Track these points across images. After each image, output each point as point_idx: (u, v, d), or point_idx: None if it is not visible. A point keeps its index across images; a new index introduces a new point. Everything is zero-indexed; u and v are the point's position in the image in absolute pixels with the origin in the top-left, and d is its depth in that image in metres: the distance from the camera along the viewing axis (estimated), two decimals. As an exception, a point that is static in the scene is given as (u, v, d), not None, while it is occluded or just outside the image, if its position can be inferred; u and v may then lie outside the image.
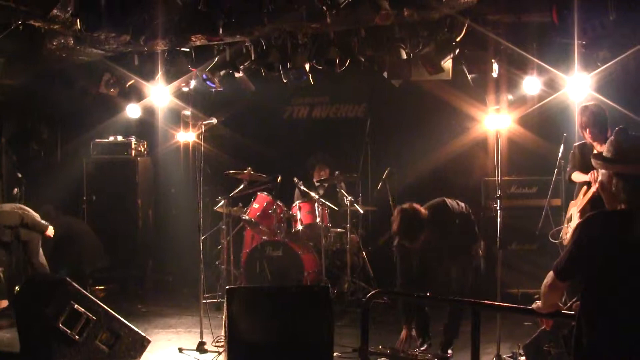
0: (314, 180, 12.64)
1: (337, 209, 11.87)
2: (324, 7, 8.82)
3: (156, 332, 9.96)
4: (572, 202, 8.83)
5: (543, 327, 5.79)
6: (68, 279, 8.04)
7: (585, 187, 8.31)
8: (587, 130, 8.58)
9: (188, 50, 11.35)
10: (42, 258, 10.93)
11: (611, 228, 4.38)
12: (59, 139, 13.61)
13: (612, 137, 4.54)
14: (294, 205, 11.94)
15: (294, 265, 11.25)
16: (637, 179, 4.33)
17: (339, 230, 12.02)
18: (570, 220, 8.63)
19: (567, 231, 8.54)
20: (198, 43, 10.93)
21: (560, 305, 4.96)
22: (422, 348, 8.76)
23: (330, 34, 10.73)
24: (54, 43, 10.71)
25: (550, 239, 9.21)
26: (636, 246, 4.27)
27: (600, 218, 4.51)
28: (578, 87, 9.79)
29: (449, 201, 8.57)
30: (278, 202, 11.84)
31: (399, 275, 8.64)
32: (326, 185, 12.59)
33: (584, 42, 9.18)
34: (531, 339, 7.72)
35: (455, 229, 8.48)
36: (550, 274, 4.66)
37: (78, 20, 9.48)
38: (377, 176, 12.35)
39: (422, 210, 8.19)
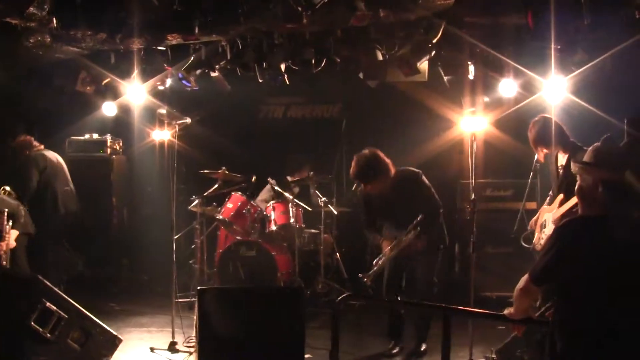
0: (289, 180, 12.61)
1: (310, 209, 11.87)
2: (299, 8, 8.79)
3: (128, 330, 9.95)
4: (544, 207, 8.83)
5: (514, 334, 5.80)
6: (39, 276, 8.00)
7: (562, 196, 8.31)
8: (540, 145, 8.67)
9: (164, 48, 11.31)
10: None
11: (589, 234, 4.39)
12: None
13: (599, 143, 4.55)
14: (268, 205, 11.91)
15: (267, 266, 11.21)
16: (620, 186, 4.35)
17: (313, 231, 12.02)
18: (544, 226, 8.63)
19: (541, 237, 8.53)
20: (174, 42, 10.89)
21: (532, 311, 4.98)
22: (393, 351, 8.84)
23: (306, 34, 10.72)
24: (31, 40, 10.63)
25: (522, 243, 9.24)
26: (613, 252, 4.28)
27: (578, 224, 4.53)
28: (554, 89, 9.82)
29: (425, 178, 8.95)
30: (252, 202, 11.82)
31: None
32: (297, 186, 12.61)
33: (558, 46, 9.21)
34: (504, 343, 7.75)
35: (417, 204, 8.76)
36: (525, 277, 4.68)
37: (54, 18, 9.45)
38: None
39: (386, 160, 8.94)
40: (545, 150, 8.62)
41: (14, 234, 10.40)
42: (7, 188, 10.89)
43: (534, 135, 8.62)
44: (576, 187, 4.59)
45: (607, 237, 4.29)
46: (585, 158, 4.52)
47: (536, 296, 4.87)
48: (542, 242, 8.29)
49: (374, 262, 8.96)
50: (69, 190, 11.87)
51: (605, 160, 4.42)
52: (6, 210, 10.39)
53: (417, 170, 9.11)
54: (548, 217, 8.55)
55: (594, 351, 4.31)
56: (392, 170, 8.94)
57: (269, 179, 12.23)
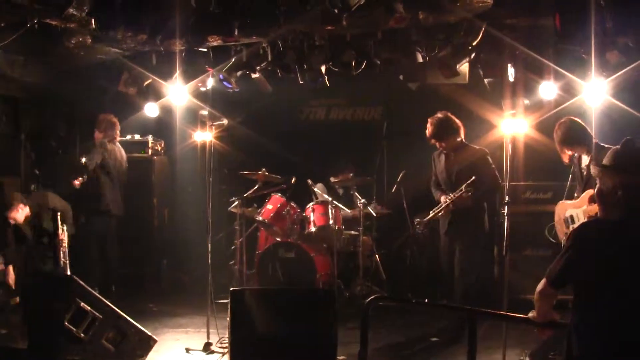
0: (332, 181, 12.59)
1: (349, 211, 11.85)
2: (336, 10, 8.78)
3: (165, 331, 9.99)
4: (565, 202, 8.82)
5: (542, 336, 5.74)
6: (74, 276, 8.07)
7: (591, 191, 8.28)
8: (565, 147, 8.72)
9: (205, 50, 11.36)
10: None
11: (606, 237, 4.35)
12: (77, 137, 13.62)
13: (618, 146, 4.50)
14: (308, 207, 11.92)
15: (306, 267, 11.24)
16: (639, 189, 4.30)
17: (352, 232, 11.99)
18: (571, 221, 8.61)
19: (568, 232, 8.48)
20: (214, 43, 10.95)
21: (555, 314, 4.93)
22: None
23: (347, 36, 10.72)
24: (72, 41, 10.73)
25: (548, 237, 9.31)
26: (631, 255, 4.23)
27: (595, 226, 4.49)
28: (595, 92, 9.72)
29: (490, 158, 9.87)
30: (292, 204, 11.85)
31: None
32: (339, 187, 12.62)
33: (586, 49, 9.15)
34: (538, 346, 7.69)
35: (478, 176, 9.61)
36: (543, 281, 4.64)
37: (93, 19, 9.52)
38: (392, 179, 12.32)
39: (458, 122, 10.09)
40: (569, 152, 8.65)
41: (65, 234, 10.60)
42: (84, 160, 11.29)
43: (559, 137, 8.78)
44: (596, 190, 4.53)
45: (626, 240, 4.25)
46: (605, 161, 4.47)
47: (554, 299, 4.82)
48: None
49: (431, 211, 10.15)
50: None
51: (625, 164, 4.36)
52: (59, 212, 10.61)
53: (485, 148, 9.97)
54: (574, 213, 8.51)
55: (611, 354, 4.26)
56: (463, 133, 10.12)
57: (309, 181, 12.23)
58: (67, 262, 10.66)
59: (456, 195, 9.76)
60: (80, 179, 11.69)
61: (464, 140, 10.12)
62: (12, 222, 11.00)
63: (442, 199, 10.00)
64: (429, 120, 10.17)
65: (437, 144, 10.23)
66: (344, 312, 10.21)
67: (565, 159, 8.83)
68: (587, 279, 4.35)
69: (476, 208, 9.85)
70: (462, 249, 9.88)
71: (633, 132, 4.71)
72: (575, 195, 8.86)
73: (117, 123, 12.11)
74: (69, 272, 10.47)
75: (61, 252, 10.62)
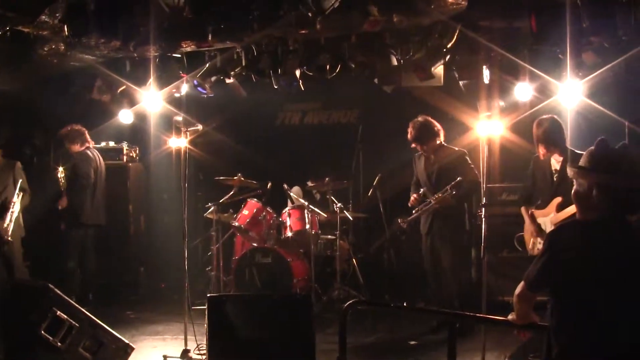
0: (308, 185, 12.56)
1: (326, 215, 11.82)
2: (310, 13, 8.75)
3: (142, 338, 9.94)
4: (534, 211, 8.81)
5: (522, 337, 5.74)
6: (50, 285, 7.99)
7: (559, 199, 8.30)
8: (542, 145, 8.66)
9: (179, 55, 11.33)
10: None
11: (583, 238, 4.34)
12: (51, 145, 13.54)
13: (592, 147, 4.49)
14: (284, 212, 11.89)
15: (283, 272, 11.22)
16: (615, 190, 4.29)
17: (329, 237, 11.98)
18: (540, 230, 8.60)
19: (538, 241, 8.51)
20: (188, 49, 10.93)
21: (535, 316, 4.92)
22: None
23: (321, 40, 10.71)
24: (45, 49, 10.69)
25: (517, 246, 9.36)
26: (609, 256, 4.23)
27: (572, 228, 4.49)
28: (570, 93, 9.74)
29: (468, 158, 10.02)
30: (268, 209, 11.83)
31: None
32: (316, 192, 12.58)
33: (561, 50, 9.17)
34: (517, 348, 7.70)
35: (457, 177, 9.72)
36: (521, 284, 4.64)
37: (65, 26, 9.45)
38: (368, 183, 12.31)
39: (438, 126, 10.27)
40: (544, 151, 8.64)
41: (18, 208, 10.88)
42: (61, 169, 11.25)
43: (540, 134, 8.70)
44: (572, 192, 4.53)
45: (603, 240, 4.26)
46: (581, 162, 4.47)
47: (533, 302, 4.81)
48: (540, 246, 8.26)
49: (414, 210, 10.23)
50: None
51: (600, 164, 4.36)
52: (21, 180, 10.71)
53: (463, 149, 10.14)
54: (543, 221, 8.53)
55: (590, 355, 4.25)
56: (443, 136, 10.32)
57: (285, 186, 12.20)
58: (11, 225, 10.95)
59: (440, 195, 9.82)
60: (63, 200, 11.71)
61: (443, 142, 10.24)
62: None
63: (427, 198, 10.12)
64: (410, 124, 10.32)
65: (418, 147, 10.35)
66: (321, 317, 10.24)
67: (541, 155, 8.79)
68: (565, 280, 4.33)
69: (457, 208, 9.99)
70: (444, 249, 9.97)
71: (608, 132, 4.70)
72: (540, 201, 8.84)
73: (82, 129, 12.00)
74: (9, 238, 10.88)
75: (9, 214, 10.97)
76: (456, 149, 10.24)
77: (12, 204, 11.04)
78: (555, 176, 8.61)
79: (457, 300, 9.71)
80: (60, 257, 11.89)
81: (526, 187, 9.20)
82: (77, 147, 11.94)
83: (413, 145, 10.32)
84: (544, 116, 8.85)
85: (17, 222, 11.16)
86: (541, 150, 8.71)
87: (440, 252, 10.02)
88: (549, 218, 8.43)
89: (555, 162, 8.62)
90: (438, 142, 10.22)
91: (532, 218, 8.79)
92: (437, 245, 10.04)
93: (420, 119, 10.29)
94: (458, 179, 9.67)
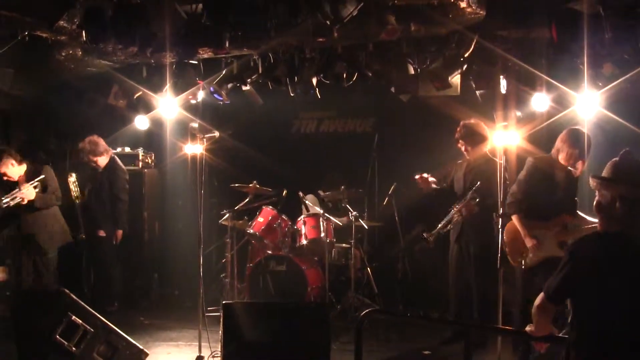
0: (321, 194, 12.54)
1: (341, 224, 11.80)
2: (328, 22, 8.75)
3: (157, 344, 9.92)
4: (535, 221, 8.60)
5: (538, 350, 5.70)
6: (66, 290, 8.01)
7: (568, 217, 8.20)
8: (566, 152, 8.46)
9: (196, 62, 11.34)
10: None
11: (605, 250, 4.31)
12: (67, 150, 13.54)
13: (617, 158, 4.47)
14: (299, 219, 11.87)
15: (297, 280, 11.18)
16: (638, 202, 4.26)
17: (343, 245, 11.94)
18: (537, 247, 8.35)
19: (531, 254, 8.34)
20: (205, 56, 10.95)
21: (554, 328, 4.89)
22: None
23: (338, 48, 10.72)
24: (62, 54, 10.75)
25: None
26: (631, 269, 4.20)
27: (594, 240, 4.45)
28: (587, 104, 9.71)
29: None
30: (283, 217, 11.81)
31: None
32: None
33: (583, 60, 9.12)
34: (533, 359, 7.64)
35: (485, 190, 9.53)
36: (541, 295, 4.60)
37: (83, 32, 9.48)
38: (383, 191, 12.28)
39: (487, 133, 9.99)
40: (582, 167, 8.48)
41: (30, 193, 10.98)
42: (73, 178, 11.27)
43: (583, 149, 8.42)
44: (594, 203, 4.49)
45: (625, 253, 4.22)
46: (604, 173, 4.44)
47: (552, 314, 4.78)
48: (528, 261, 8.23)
49: (440, 223, 10.02)
50: None
51: (624, 176, 4.33)
52: (42, 177, 11.04)
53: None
54: (540, 233, 8.32)
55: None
56: (487, 143, 9.89)
57: (300, 193, 12.19)
58: (10, 203, 10.99)
59: (462, 204, 9.80)
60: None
61: (488, 154, 9.89)
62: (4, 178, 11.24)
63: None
64: (462, 122, 10.23)
65: (464, 148, 10.23)
66: (335, 325, 10.18)
67: (580, 172, 8.56)
68: (586, 293, 4.31)
69: (485, 217, 9.59)
70: (473, 259, 9.81)
71: (627, 144, 4.66)
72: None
73: (96, 138, 11.97)
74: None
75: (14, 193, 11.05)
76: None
77: (24, 186, 11.09)
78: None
79: (477, 312, 9.60)
80: (102, 264, 12.07)
81: (520, 193, 8.76)
82: (104, 159, 11.95)
83: (459, 143, 10.22)
84: (576, 128, 8.61)
85: (61, 228, 11.29)
86: (580, 167, 8.49)
87: (466, 262, 9.90)
88: (552, 232, 8.27)
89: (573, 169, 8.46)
90: (484, 148, 9.95)
91: (529, 229, 8.51)
92: (464, 254, 9.93)
93: (472, 120, 10.21)
94: (478, 183, 9.58)
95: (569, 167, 8.36)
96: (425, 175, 10.27)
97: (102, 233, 11.78)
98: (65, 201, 11.84)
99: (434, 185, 10.35)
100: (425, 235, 10.03)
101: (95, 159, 11.81)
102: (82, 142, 11.80)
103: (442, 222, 9.99)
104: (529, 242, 8.25)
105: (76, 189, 12.02)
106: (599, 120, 9.84)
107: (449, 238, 10.13)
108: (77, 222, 12.10)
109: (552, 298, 4.54)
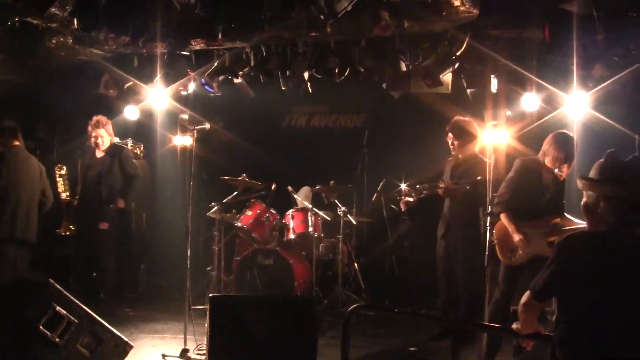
0: (310, 188, 12.54)
1: (329, 219, 11.80)
2: (322, 16, 8.74)
3: (142, 337, 9.85)
4: (522, 221, 8.56)
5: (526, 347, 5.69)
6: (51, 280, 7.96)
7: (558, 219, 8.20)
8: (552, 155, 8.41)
9: (188, 53, 11.32)
10: None
11: (591, 249, 4.32)
12: (55, 138, 13.50)
13: (602, 159, 4.47)
14: (287, 213, 11.87)
15: (284, 274, 11.12)
16: (623, 201, 4.27)
17: (331, 240, 11.94)
18: (525, 242, 8.32)
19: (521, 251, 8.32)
20: (197, 47, 10.92)
21: (540, 326, 4.90)
22: None
23: (331, 43, 10.71)
24: (53, 42, 10.69)
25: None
26: (616, 268, 4.21)
27: (580, 239, 4.45)
28: (576, 104, 9.74)
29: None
30: (271, 210, 11.81)
31: None
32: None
33: (575, 61, 9.15)
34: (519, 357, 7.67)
35: (473, 190, 9.48)
36: (527, 293, 4.62)
37: (75, 19, 9.44)
38: (372, 187, 12.30)
39: (477, 133, 9.86)
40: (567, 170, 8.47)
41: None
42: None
43: (570, 153, 8.38)
44: (582, 204, 4.50)
45: (610, 253, 4.23)
46: (591, 174, 4.44)
47: (539, 311, 4.79)
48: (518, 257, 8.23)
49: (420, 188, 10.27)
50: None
51: (609, 176, 4.34)
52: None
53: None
54: (530, 233, 8.29)
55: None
56: (477, 144, 9.87)
57: (289, 188, 12.18)
58: None
59: (454, 183, 9.75)
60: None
61: (477, 153, 9.91)
62: None
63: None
64: (455, 117, 10.12)
65: (451, 141, 10.07)
66: (322, 320, 10.18)
67: (565, 175, 8.54)
68: (573, 292, 4.31)
69: (473, 213, 9.70)
70: (460, 255, 9.74)
71: (616, 145, 4.68)
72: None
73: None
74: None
75: None
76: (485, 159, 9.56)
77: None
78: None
79: (467, 308, 9.58)
80: (100, 257, 11.78)
81: (508, 192, 8.53)
82: (109, 139, 11.74)
83: (447, 138, 10.10)
84: (563, 132, 8.57)
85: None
86: (565, 170, 8.47)
87: (453, 258, 9.84)
88: (542, 231, 8.26)
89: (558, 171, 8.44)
90: (473, 147, 9.92)
91: (518, 226, 8.38)
92: (451, 250, 9.87)
93: (467, 118, 10.09)
94: (479, 177, 9.33)
95: (555, 170, 8.33)
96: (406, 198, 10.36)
97: (104, 226, 11.62)
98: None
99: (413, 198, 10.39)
100: (406, 185, 10.43)
101: (105, 134, 11.57)
102: (96, 116, 11.63)
103: (425, 186, 10.17)
104: (516, 237, 8.19)
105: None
106: (587, 121, 9.87)
107: (436, 235, 10.12)
108: (60, 218, 11.98)
109: (538, 296, 4.54)
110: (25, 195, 10.53)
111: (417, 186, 10.13)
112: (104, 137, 11.52)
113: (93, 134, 11.44)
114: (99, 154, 11.63)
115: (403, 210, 10.50)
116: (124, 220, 12.76)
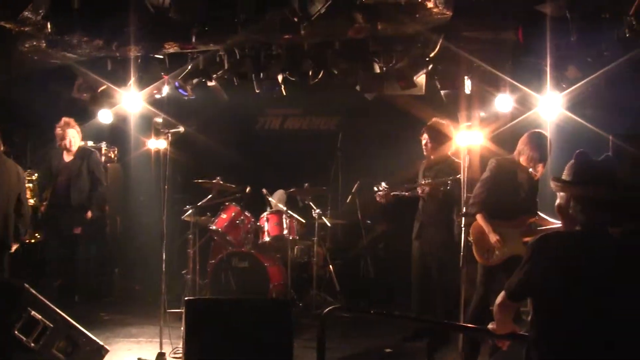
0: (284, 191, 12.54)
1: (304, 221, 11.81)
2: (295, 19, 8.75)
3: (117, 341, 9.83)
4: (499, 221, 8.58)
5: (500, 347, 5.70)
6: (26, 285, 7.92)
7: (532, 219, 8.25)
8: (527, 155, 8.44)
9: (161, 57, 11.29)
10: None
11: (565, 249, 4.33)
12: (28, 143, 13.44)
13: (572, 160, 4.50)
14: (262, 216, 11.85)
15: (260, 277, 11.12)
16: (594, 201, 4.30)
17: (306, 242, 11.94)
18: (501, 242, 8.33)
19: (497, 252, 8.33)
20: (171, 50, 10.88)
21: (515, 326, 4.91)
22: None
23: (304, 45, 10.72)
24: (26, 45, 10.61)
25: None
26: (588, 268, 4.22)
27: (554, 239, 4.47)
28: (550, 105, 9.79)
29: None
30: (246, 213, 11.79)
31: None
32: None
33: (548, 62, 9.20)
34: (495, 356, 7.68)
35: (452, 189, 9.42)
36: (502, 293, 4.63)
37: (49, 23, 9.40)
38: (347, 190, 12.32)
39: (452, 137, 9.62)
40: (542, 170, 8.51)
41: None
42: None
43: (544, 153, 8.42)
44: (556, 205, 4.53)
45: (583, 253, 4.25)
46: (563, 175, 4.47)
47: (514, 311, 4.80)
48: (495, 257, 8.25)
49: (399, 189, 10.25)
50: None
51: (578, 176, 4.37)
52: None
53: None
54: (506, 232, 8.30)
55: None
56: (451, 146, 9.77)
57: (264, 190, 12.16)
58: None
59: (433, 182, 9.67)
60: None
61: (450, 156, 9.89)
62: None
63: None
64: (433, 119, 10.04)
65: (425, 141, 9.99)
66: (297, 322, 10.18)
67: (540, 174, 8.56)
68: (547, 292, 4.32)
69: (447, 214, 9.68)
70: (435, 256, 9.72)
71: (589, 145, 4.72)
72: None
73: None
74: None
75: None
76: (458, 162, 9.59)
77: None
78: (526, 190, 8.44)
79: (442, 309, 9.58)
80: (75, 260, 11.88)
81: (484, 192, 8.57)
82: (78, 141, 11.79)
83: (422, 137, 10.03)
84: (538, 131, 8.52)
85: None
86: (540, 170, 8.49)
87: (427, 259, 9.84)
88: (517, 231, 8.29)
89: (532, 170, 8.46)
90: (447, 149, 9.88)
91: (494, 226, 8.38)
92: (425, 251, 9.87)
93: (444, 121, 9.99)
94: (458, 176, 9.13)
95: (530, 170, 8.36)
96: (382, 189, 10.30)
97: (77, 230, 11.61)
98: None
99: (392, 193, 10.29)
100: (384, 184, 10.31)
101: (76, 134, 11.61)
102: (63, 119, 11.60)
103: (406, 186, 10.19)
104: (492, 238, 8.22)
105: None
106: (560, 122, 9.92)
107: (411, 236, 10.12)
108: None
109: (513, 296, 4.55)
110: (2, 200, 10.44)
111: (400, 188, 10.11)
112: (74, 137, 11.53)
113: (63, 135, 11.41)
114: (68, 157, 11.63)
115: (380, 201, 10.41)
116: (98, 224, 12.76)
